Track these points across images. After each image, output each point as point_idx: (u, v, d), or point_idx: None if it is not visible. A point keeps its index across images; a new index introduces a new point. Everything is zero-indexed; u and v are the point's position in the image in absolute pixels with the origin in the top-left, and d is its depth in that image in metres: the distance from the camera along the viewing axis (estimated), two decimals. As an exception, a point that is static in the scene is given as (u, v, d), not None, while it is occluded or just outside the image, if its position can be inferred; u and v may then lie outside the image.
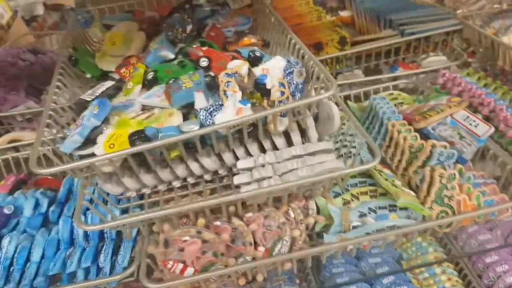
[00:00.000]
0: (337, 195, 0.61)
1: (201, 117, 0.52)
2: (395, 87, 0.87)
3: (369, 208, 0.56)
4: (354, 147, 0.68)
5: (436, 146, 0.60)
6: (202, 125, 0.52)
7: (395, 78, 0.91)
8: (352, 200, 0.59)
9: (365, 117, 0.77)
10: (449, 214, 0.56)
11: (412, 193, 0.57)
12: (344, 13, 1.19)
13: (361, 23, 1.11)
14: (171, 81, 0.56)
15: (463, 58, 0.89)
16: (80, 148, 0.52)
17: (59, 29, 1.72)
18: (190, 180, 0.60)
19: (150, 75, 0.60)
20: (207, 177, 0.60)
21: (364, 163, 0.64)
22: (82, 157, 0.54)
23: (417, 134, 0.65)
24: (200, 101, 0.51)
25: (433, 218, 0.56)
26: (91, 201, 0.58)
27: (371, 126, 0.74)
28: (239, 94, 0.53)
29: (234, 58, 0.61)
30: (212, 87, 0.55)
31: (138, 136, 0.48)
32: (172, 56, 0.64)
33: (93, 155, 0.52)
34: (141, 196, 0.62)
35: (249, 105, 0.53)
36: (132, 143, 0.48)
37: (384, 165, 0.64)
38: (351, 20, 1.17)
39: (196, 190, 0.61)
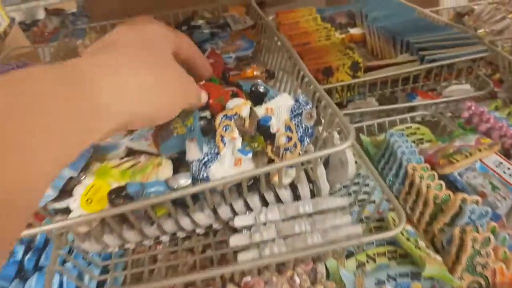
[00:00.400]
0: (350, 254, 0.52)
1: (194, 168, 0.45)
2: (412, 119, 0.79)
3: (388, 275, 0.48)
4: (367, 192, 0.60)
5: (466, 202, 0.51)
6: (194, 178, 0.44)
7: (411, 108, 0.83)
8: (368, 262, 0.51)
9: (380, 155, 0.69)
10: (483, 286, 0.47)
11: (439, 257, 0.49)
12: (354, 31, 1.11)
13: (374, 42, 1.03)
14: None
15: (489, 88, 0.80)
16: (54, 200, 0.45)
17: (59, 34, 1.68)
18: (180, 234, 0.52)
19: None
20: (200, 231, 0.52)
21: (383, 215, 0.57)
22: (57, 211, 0.47)
23: (442, 183, 0.57)
24: (193, 152, 0.44)
25: (463, 289, 0.48)
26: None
27: (387, 167, 0.66)
28: (238, 141, 0.46)
29: (234, 94, 0.54)
30: (208, 132, 0.47)
31: (118, 195, 0.41)
32: None
33: (68, 210, 0.44)
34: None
35: (250, 155, 0.45)
36: (112, 203, 0.41)
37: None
38: (362, 38, 1.09)
39: (186, 246, 0.53)
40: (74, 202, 0.44)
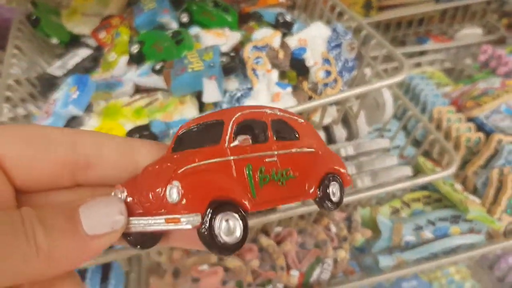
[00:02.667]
0: (380, 200, 0.49)
1: (225, 105, 0.38)
2: (423, 63, 0.75)
3: (428, 220, 0.46)
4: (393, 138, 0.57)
5: (503, 142, 0.49)
6: (226, 117, 0.38)
7: (422, 52, 0.79)
8: (402, 208, 0.48)
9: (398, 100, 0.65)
10: (521, 227, 0.46)
11: (477, 200, 0.47)
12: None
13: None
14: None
15: (500, 33, 0.77)
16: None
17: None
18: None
19: (134, 49, 0.44)
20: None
21: (409, 159, 0.53)
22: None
23: (471, 125, 0.54)
24: (211, 92, 0.37)
25: (501, 231, 0.46)
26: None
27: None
28: (275, 74, 0.40)
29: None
30: (231, 70, 0.40)
31: (141, 134, 0.34)
32: (175, 26, 0.47)
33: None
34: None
35: (289, 89, 0.39)
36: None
37: (433, 162, 0.53)
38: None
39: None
40: None
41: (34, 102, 0.46)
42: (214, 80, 0.37)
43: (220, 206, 0.15)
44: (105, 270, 0.44)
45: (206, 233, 0.14)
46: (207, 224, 0.14)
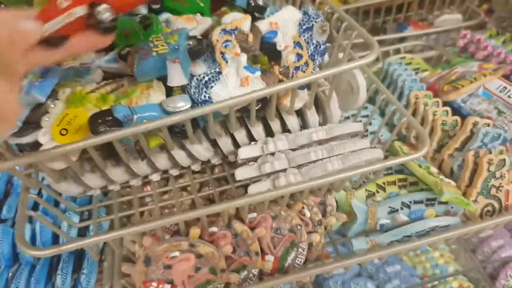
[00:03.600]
0: (358, 185, 0.49)
1: (193, 89, 0.38)
2: (406, 49, 0.75)
3: (402, 203, 0.46)
4: (370, 123, 0.57)
5: (478, 124, 0.49)
6: (194, 102, 0.37)
7: (401, 39, 0.79)
8: (378, 191, 0.48)
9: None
10: (495, 208, 0.46)
11: (453, 182, 0.47)
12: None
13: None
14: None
15: (480, 18, 0.77)
16: (16, 134, 0.37)
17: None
18: (173, 172, 0.46)
19: None
20: (195, 167, 0.46)
21: (385, 144, 0.53)
22: (21, 147, 0.39)
23: (448, 109, 0.54)
24: (176, 76, 0.36)
25: (477, 213, 0.46)
26: (35, 205, 0.43)
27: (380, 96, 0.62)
28: (243, 58, 0.39)
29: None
30: (197, 54, 0.39)
31: (103, 120, 0.33)
32: (145, 12, 0.46)
33: (36, 144, 0.36)
34: (106, 192, 0.47)
35: (258, 72, 0.39)
36: (96, 130, 0.33)
37: (409, 146, 0.53)
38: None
39: (180, 184, 0.47)
40: (44, 135, 0.35)
41: None
42: (178, 63, 0.36)
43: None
44: (78, 260, 0.44)
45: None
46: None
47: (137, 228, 0.35)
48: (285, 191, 0.37)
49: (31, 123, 0.37)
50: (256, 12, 0.46)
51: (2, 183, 0.53)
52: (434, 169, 0.48)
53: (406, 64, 0.69)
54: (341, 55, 0.49)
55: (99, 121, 0.33)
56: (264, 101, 0.40)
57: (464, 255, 0.78)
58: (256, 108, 0.40)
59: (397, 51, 0.74)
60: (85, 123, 0.34)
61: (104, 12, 0.29)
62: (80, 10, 0.29)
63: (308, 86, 0.41)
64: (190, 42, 0.38)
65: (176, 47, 0.37)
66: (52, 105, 0.37)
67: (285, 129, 0.45)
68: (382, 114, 0.61)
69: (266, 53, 0.42)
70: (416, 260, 0.73)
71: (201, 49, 0.38)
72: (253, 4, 0.47)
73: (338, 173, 0.37)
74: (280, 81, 0.40)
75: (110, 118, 0.33)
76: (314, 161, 0.39)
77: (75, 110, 0.36)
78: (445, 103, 0.56)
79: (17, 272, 0.43)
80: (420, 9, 0.78)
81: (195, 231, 0.40)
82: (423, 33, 0.77)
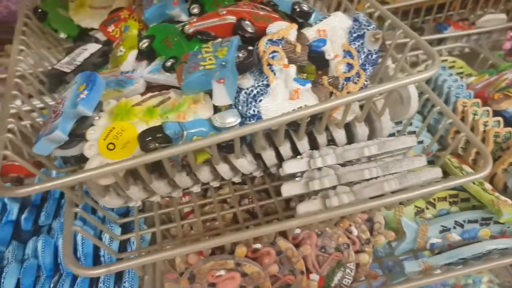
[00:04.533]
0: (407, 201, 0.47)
1: (241, 103, 0.36)
2: (448, 51, 0.72)
3: (456, 222, 0.43)
4: (414, 132, 0.54)
5: (536, 138, 0.46)
6: (242, 116, 0.35)
7: (440, 40, 0.75)
8: (427, 208, 0.46)
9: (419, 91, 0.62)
10: (555, 229, 0.43)
11: (509, 201, 0.44)
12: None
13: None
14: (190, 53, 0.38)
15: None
16: (62, 146, 0.36)
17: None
18: (214, 184, 0.45)
19: (143, 43, 0.41)
20: (236, 179, 0.45)
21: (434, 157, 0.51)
22: (65, 159, 0.38)
23: (500, 119, 0.51)
24: (220, 97, 0.34)
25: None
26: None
27: (429, 103, 0.60)
28: (293, 70, 0.37)
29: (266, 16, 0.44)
30: (248, 68, 0.37)
31: (153, 137, 0.32)
32: (185, 18, 0.45)
33: (82, 157, 0.35)
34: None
35: (309, 85, 0.37)
36: (146, 147, 0.32)
37: (458, 158, 0.50)
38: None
39: (221, 197, 0.46)
40: (90, 149, 0.34)
41: (41, 98, 0.44)
42: (222, 84, 0.34)
43: None
44: (119, 272, 0.43)
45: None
46: None
47: (192, 248, 0.33)
48: (338, 213, 0.35)
49: (76, 136, 0.36)
50: (301, 18, 0.44)
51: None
52: (488, 185, 0.46)
53: (449, 68, 0.66)
54: (389, 62, 0.46)
55: (149, 138, 0.32)
56: (312, 116, 0.38)
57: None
58: (306, 121, 0.38)
59: (440, 55, 0.70)
60: (133, 138, 0.33)
61: (247, 26, 0.39)
62: (231, 19, 0.40)
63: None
64: (240, 54, 0.36)
65: (224, 63, 0.35)
66: (97, 117, 0.36)
67: (329, 142, 0.43)
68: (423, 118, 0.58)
69: (313, 62, 0.40)
70: (448, 269, 0.71)
71: (251, 62, 0.36)
72: (298, 9, 0.45)
73: (396, 194, 0.35)
74: (331, 93, 0.38)
75: (161, 135, 0.32)
76: (368, 179, 0.37)
77: (122, 124, 0.35)
78: (495, 112, 0.53)
79: (59, 283, 0.42)
80: (462, 8, 0.74)
81: (241, 250, 0.38)
82: (464, 34, 0.74)
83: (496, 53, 0.69)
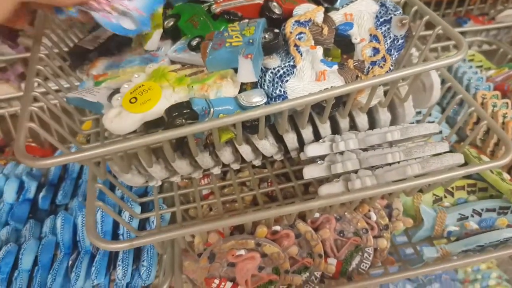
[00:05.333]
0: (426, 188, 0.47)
1: (267, 83, 0.36)
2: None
3: (474, 210, 0.43)
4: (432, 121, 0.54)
5: (557, 130, 0.46)
6: (268, 96, 0.35)
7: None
8: (445, 196, 0.46)
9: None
10: None
11: (529, 191, 0.44)
12: None
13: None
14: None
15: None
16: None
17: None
18: (234, 166, 0.45)
19: (169, 22, 0.41)
20: (257, 162, 0.45)
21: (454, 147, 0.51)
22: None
23: (519, 111, 0.51)
24: (246, 72, 0.33)
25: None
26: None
27: (448, 95, 0.59)
28: (320, 51, 0.37)
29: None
30: (274, 49, 0.36)
31: (180, 112, 0.32)
32: None
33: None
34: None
35: (336, 66, 0.37)
36: (173, 123, 0.32)
37: (477, 149, 0.50)
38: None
39: (240, 179, 0.46)
40: (117, 99, 0.34)
41: (65, 77, 0.45)
42: (250, 60, 0.34)
43: None
44: (137, 251, 0.44)
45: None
46: None
47: (214, 224, 0.34)
48: (360, 195, 0.35)
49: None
50: (326, 3, 0.44)
51: (57, 168, 0.54)
52: (506, 175, 0.46)
53: (469, 61, 0.66)
54: (413, 49, 0.46)
55: (176, 113, 0.32)
56: (337, 98, 0.38)
57: (508, 261, 0.75)
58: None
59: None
60: (155, 98, 0.33)
61: (275, 7, 0.38)
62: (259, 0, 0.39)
63: (385, 83, 0.39)
64: (266, 36, 0.36)
65: (251, 41, 0.35)
66: (136, 75, 0.36)
67: (350, 128, 0.43)
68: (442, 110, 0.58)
69: (338, 46, 0.40)
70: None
71: (277, 43, 0.36)
72: (324, -7, 0.44)
73: (418, 178, 0.35)
74: (356, 76, 0.38)
75: (188, 110, 0.32)
76: (390, 164, 0.37)
77: (151, 83, 0.35)
78: (514, 105, 0.53)
79: (77, 261, 0.43)
80: (482, 3, 0.73)
81: (262, 230, 0.38)
82: (483, 29, 0.73)
83: (515, 47, 0.68)
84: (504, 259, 0.74)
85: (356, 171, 0.38)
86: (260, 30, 0.36)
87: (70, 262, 0.43)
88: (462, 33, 0.74)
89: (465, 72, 0.58)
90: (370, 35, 0.39)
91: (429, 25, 0.42)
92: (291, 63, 0.37)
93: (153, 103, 0.33)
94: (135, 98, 0.33)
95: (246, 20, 0.39)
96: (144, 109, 0.33)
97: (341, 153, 0.40)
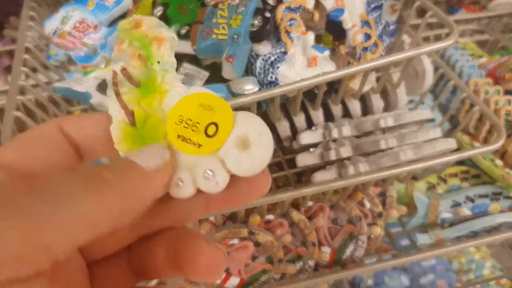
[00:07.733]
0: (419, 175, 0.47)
1: (258, 70, 0.35)
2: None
3: (467, 197, 0.43)
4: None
5: (549, 116, 0.46)
6: (260, 83, 0.35)
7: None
8: (439, 184, 0.46)
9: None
10: None
11: (521, 177, 0.44)
12: None
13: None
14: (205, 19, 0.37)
15: (538, 0, 0.72)
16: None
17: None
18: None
19: (157, 11, 0.41)
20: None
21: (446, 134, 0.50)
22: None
23: (511, 98, 0.51)
24: (228, 72, 0.34)
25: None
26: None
27: (441, 83, 0.59)
28: (311, 37, 0.36)
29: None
30: (263, 37, 0.36)
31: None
32: None
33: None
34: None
35: (327, 52, 0.36)
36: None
37: (470, 136, 0.50)
38: None
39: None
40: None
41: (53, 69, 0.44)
42: (230, 63, 0.33)
43: None
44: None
45: None
46: None
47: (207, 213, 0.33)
48: (353, 181, 0.35)
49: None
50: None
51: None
52: (499, 162, 0.46)
53: (461, 49, 0.65)
54: (405, 36, 0.46)
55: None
56: (330, 84, 0.38)
57: (502, 251, 0.75)
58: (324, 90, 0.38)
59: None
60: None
61: None
62: None
63: (377, 69, 0.39)
64: (256, 22, 0.35)
65: (235, 36, 0.34)
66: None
67: (344, 114, 0.42)
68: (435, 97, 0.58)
69: (330, 32, 0.39)
70: (451, 254, 0.71)
71: (267, 31, 0.35)
72: (315, -20, 0.44)
73: (412, 163, 0.35)
74: (348, 62, 0.38)
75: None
76: (383, 150, 0.37)
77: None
78: (506, 92, 0.53)
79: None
80: (474, -9, 0.73)
81: (255, 219, 0.38)
82: (475, 17, 0.73)
83: (507, 36, 0.68)
84: (498, 248, 0.74)
85: (349, 158, 0.38)
86: (248, 18, 0.35)
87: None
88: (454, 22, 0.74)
89: (457, 60, 0.58)
90: (362, 21, 0.39)
91: (421, 13, 0.42)
92: (282, 50, 0.36)
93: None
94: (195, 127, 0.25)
95: (237, 1, 0.38)
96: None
97: (334, 140, 0.39)
